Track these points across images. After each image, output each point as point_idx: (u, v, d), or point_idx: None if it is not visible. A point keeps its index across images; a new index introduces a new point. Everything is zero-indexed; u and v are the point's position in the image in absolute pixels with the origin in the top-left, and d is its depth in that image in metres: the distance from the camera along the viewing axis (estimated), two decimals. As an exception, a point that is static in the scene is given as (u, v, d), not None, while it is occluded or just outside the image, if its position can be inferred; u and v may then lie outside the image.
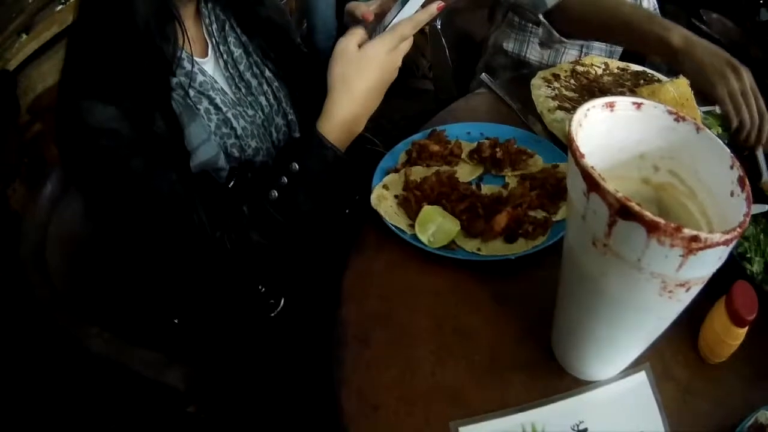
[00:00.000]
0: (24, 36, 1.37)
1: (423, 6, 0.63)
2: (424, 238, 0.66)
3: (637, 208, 0.36)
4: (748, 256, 0.63)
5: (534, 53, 1.13)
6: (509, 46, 1.15)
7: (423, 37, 1.27)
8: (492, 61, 1.21)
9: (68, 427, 1.12)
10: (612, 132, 0.46)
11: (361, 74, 0.62)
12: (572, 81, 0.96)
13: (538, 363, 0.56)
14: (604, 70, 0.99)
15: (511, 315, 0.60)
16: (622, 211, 0.37)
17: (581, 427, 0.50)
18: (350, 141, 0.66)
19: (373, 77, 0.62)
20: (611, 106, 0.46)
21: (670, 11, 1.17)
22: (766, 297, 0.56)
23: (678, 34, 0.79)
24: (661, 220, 0.35)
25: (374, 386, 0.55)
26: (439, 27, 1.19)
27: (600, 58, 1.03)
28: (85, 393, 1.04)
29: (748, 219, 0.38)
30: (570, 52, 1.11)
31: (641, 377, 0.54)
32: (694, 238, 0.35)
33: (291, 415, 0.73)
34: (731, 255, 0.47)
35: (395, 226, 0.68)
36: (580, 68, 0.98)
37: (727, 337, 0.54)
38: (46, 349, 1.03)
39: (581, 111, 0.44)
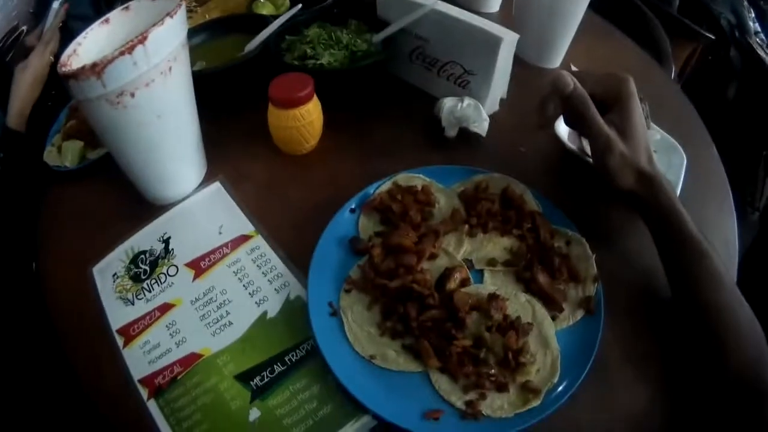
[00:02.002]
0: None
1: None
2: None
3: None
4: (317, 54, 0.78)
5: None
6: None
7: None
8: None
9: None
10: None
11: None
12: None
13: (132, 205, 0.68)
14: None
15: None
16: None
17: (165, 237, 0.64)
18: None
19: None
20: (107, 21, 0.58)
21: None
22: (351, 75, 0.76)
23: None
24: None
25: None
26: None
27: None
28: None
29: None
30: None
31: (215, 186, 0.69)
32: (93, 65, 0.49)
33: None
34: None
35: None
36: None
37: (279, 120, 0.69)
38: None
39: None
